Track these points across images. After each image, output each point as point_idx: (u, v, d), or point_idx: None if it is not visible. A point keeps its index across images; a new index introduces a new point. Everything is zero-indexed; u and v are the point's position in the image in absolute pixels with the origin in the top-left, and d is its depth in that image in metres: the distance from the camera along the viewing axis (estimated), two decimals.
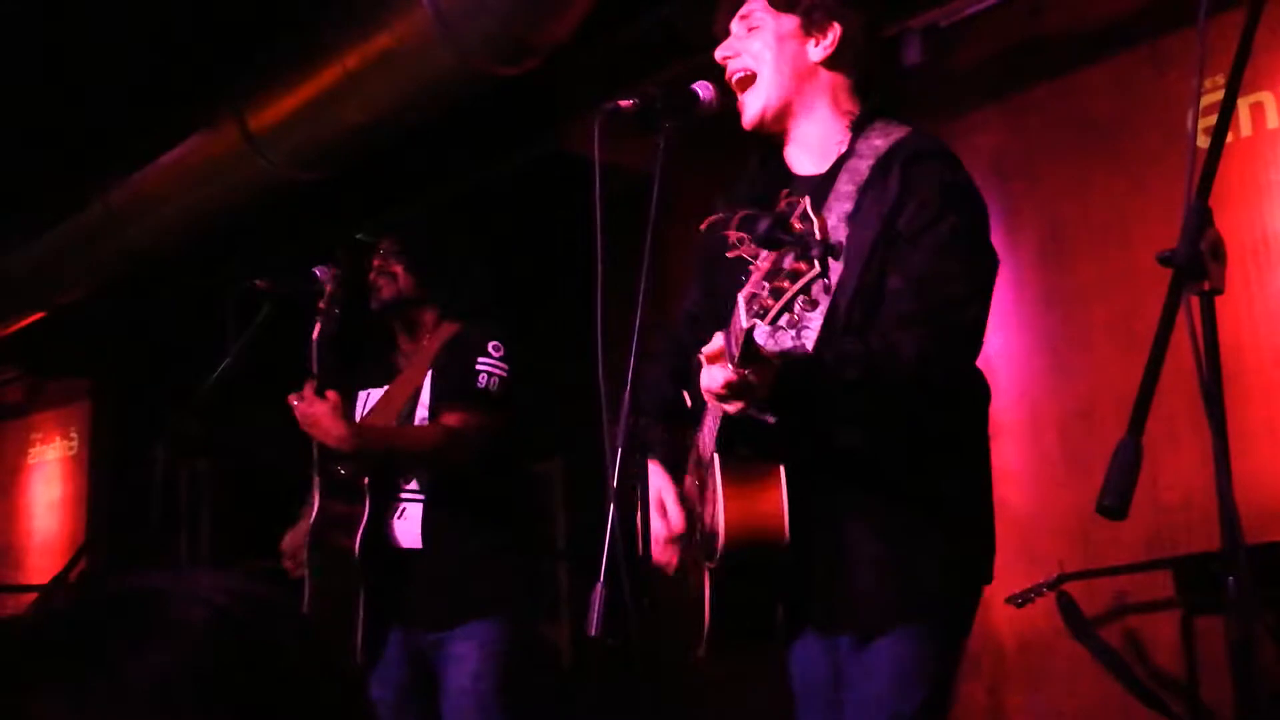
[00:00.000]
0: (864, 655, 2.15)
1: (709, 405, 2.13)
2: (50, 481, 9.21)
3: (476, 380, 3.26)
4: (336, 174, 5.39)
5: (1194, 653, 3.81)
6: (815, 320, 2.13)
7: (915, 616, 2.15)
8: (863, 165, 2.22)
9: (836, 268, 2.12)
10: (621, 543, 2.00)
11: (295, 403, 3.14)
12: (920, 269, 2.13)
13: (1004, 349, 4.49)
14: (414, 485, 3.27)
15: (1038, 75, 4.60)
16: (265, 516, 6.31)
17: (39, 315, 7.28)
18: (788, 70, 2.28)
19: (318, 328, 3.28)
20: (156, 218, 5.88)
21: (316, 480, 3.24)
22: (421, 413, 3.32)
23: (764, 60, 2.28)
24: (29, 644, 0.86)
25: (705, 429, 2.18)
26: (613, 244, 2.12)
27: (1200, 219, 1.45)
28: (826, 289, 1.96)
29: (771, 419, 2.11)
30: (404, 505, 3.27)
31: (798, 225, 1.90)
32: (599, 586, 1.92)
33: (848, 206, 2.19)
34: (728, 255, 2.20)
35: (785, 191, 2.15)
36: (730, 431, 2.11)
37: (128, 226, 6.00)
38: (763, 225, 1.96)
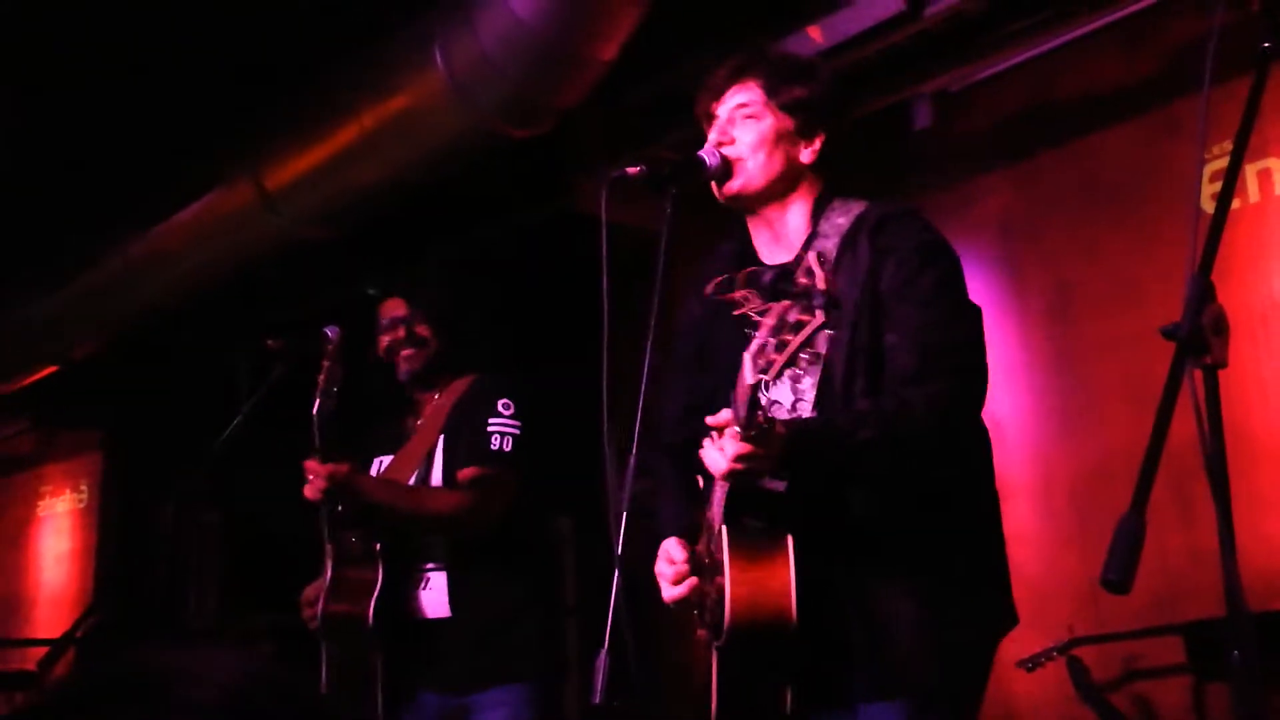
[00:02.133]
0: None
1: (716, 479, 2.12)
2: (59, 534, 9.20)
3: (490, 442, 3.23)
4: (350, 232, 5.43)
5: (1204, 718, 3.77)
6: (809, 390, 2.15)
7: (951, 677, 2.15)
8: (828, 244, 2.27)
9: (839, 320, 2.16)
10: (626, 608, 1.99)
11: (331, 470, 3.09)
12: (913, 323, 2.16)
13: (1013, 410, 4.49)
14: (435, 554, 3.25)
15: (1047, 140, 4.63)
16: (273, 571, 6.31)
17: (52, 369, 7.32)
18: (777, 168, 2.32)
19: (316, 404, 3.22)
20: (171, 274, 5.93)
21: (329, 549, 3.19)
22: (436, 475, 3.29)
23: (759, 153, 2.31)
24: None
25: (714, 500, 2.16)
26: (620, 302, 2.14)
27: (1202, 292, 1.46)
28: (830, 341, 1.99)
29: (780, 486, 2.10)
30: (428, 575, 3.23)
31: (802, 280, 1.93)
32: (603, 653, 1.91)
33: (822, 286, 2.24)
34: (733, 315, 2.20)
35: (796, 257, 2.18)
36: (737, 500, 2.10)
37: (142, 282, 6.05)
38: (767, 277, 1.98)
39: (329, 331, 3.33)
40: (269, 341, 3.38)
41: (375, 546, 3.20)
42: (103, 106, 5.33)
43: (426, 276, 3.51)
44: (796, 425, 2.07)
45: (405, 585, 3.21)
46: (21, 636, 8.66)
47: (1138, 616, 3.89)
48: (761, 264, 2.36)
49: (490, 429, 3.23)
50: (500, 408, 3.27)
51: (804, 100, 2.33)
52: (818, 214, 2.33)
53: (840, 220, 2.29)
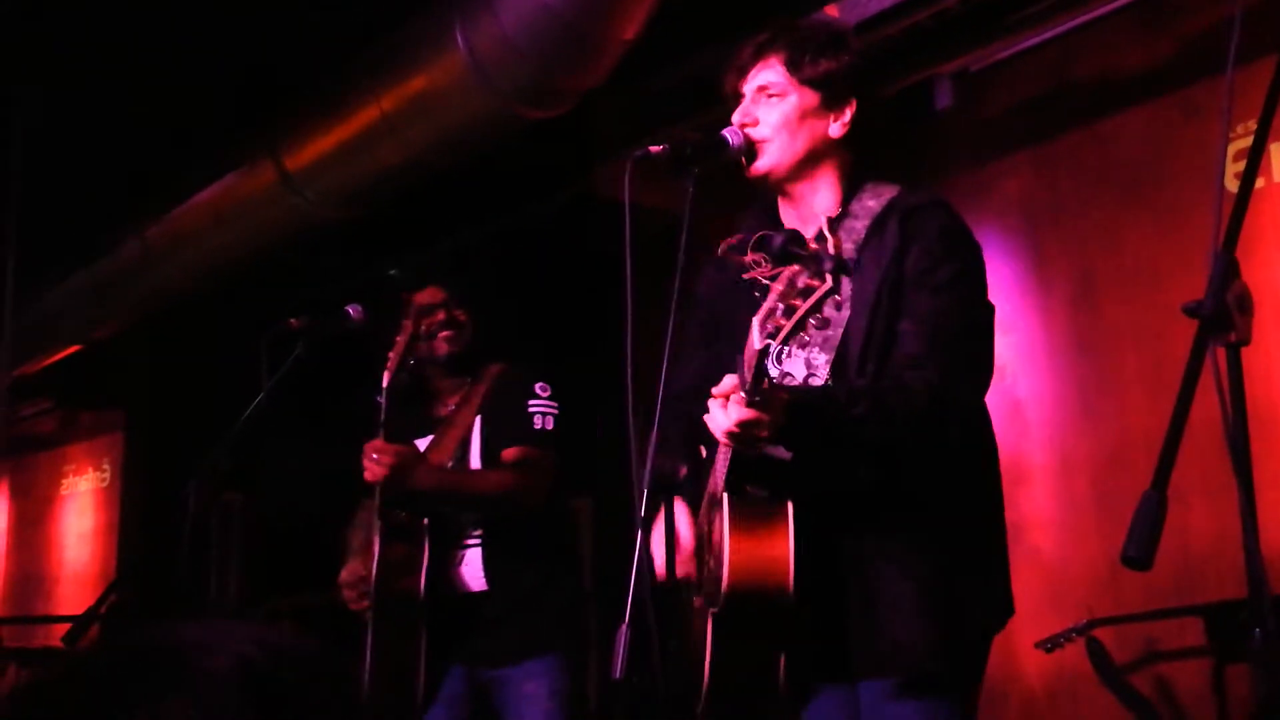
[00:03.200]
0: (895, 703, 2.14)
1: (720, 444, 2.13)
2: (82, 513, 9.28)
3: (532, 422, 3.33)
4: (371, 213, 5.45)
5: (1225, 701, 3.77)
6: (822, 367, 2.17)
7: (953, 661, 2.15)
8: (858, 225, 2.28)
9: (849, 291, 2.18)
10: (647, 584, 2.00)
11: (393, 449, 3.16)
12: (925, 311, 2.18)
13: (1034, 394, 4.48)
14: (472, 530, 3.33)
15: (1068, 121, 4.61)
16: (295, 552, 6.35)
17: (74, 349, 7.37)
18: (804, 145, 2.31)
19: (387, 378, 3.29)
20: (192, 255, 5.96)
21: (377, 525, 3.23)
22: (474, 458, 3.37)
23: (781, 132, 2.30)
24: (54, 696, 0.87)
25: (717, 467, 2.18)
26: (642, 284, 2.15)
27: (1227, 270, 1.46)
28: (838, 305, 1.99)
29: (784, 453, 2.11)
30: (464, 552, 3.32)
31: (813, 244, 1.93)
32: (623, 628, 1.92)
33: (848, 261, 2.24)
34: (744, 277, 2.20)
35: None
36: (740, 469, 2.12)
37: (164, 263, 6.09)
38: (778, 241, 1.99)
39: (351, 310, 3.38)
40: (291, 321, 3.40)
41: (422, 523, 3.29)
42: (124, 89, 5.35)
43: (460, 265, 3.58)
44: (798, 393, 2.10)
45: (446, 560, 3.30)
46: (45, 614, 8.75)
47: (1157, 597, 3.89)
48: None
49: (531, 410, 3.34)
50: (538, 389, 3.38)
51: (829, 73, 2.31)
52: (849, 195, 2.33)
53: (871, 203, 2.30)
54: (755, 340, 1.90)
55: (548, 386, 3.39)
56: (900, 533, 2.17)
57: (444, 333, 3.42)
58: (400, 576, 3.25)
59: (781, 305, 1.91)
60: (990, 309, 2.31)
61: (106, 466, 9.08)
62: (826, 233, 2.00)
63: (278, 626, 0.98)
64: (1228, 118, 1.55)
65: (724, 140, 2.28)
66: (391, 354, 3.34)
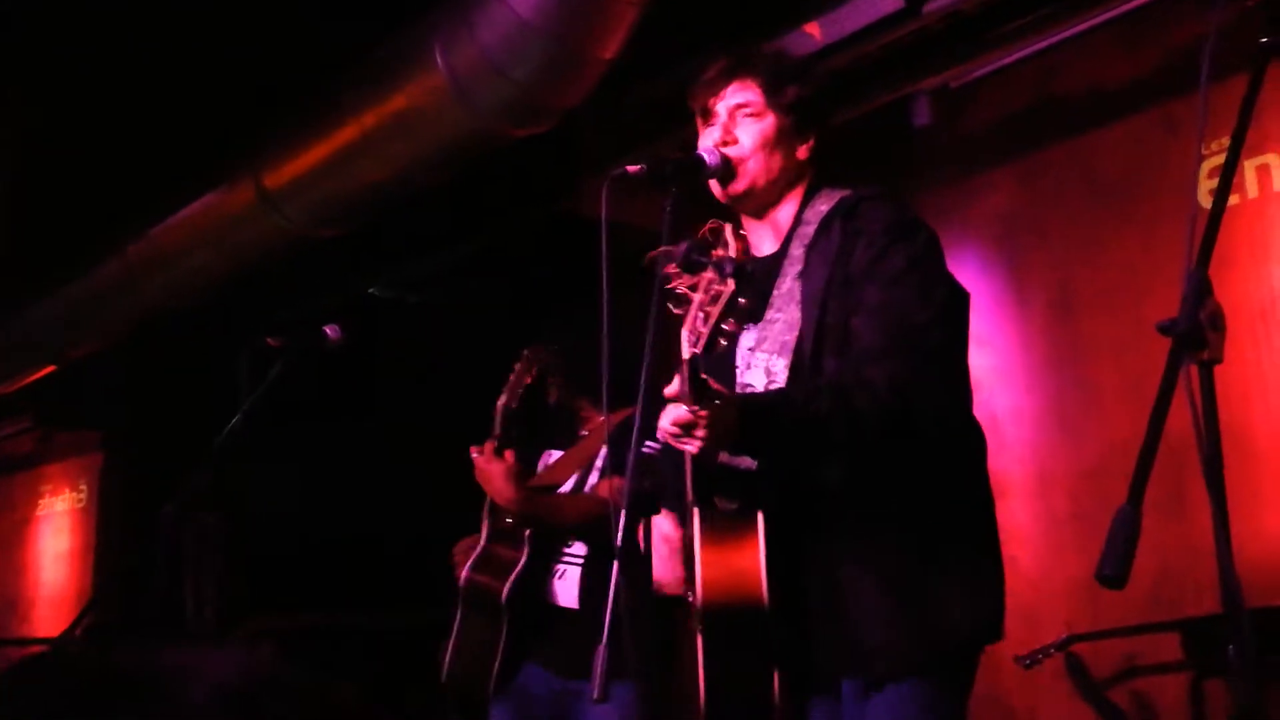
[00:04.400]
0: (869, 705, 2.12)
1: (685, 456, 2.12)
2: (59, 533, 9.21)
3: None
4: (351, 231, 5.44)
5: (1202, 715, 3.78)
6: (781, 372, 2.15)
7: (925, 669, 2.12)
8: (808, 230, 2.29)
9: (799, 292, 2.17)
10: (626, 602, 2.00)
11: (475, 455, 3.30)
12: (877, 303, 2.16)
13: (1012, 408, 4.50)
14: (575, 549, 3.39)
15: (1048, 137, 4.63)
16: (274, 572, 6.32)
17: (51, 368, 7.33)
18: (779, 167, 2.34)
19: (503, 399, 3.45)
20: (171, 273, 5.94)
21: (485, 523, 3.42)
22: (593, 480, 3.47)
23: (760, 152, 2.33)
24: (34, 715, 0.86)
25: (687, 481, 2.17)
26: (620, 301, 2.15)
27: (1200, 288, 1.47)
28: (750, 312, 2.00)
29: (749, 464, 2.09)
30: (564, 567, 3.39)
31: (717, 252, 1.95)
32: (601, 648, 1.92)
33: (798, 267, 2.26)
34: (667, 288, 2.20)
35: (712, 221, 2.18)
36: (705, 480, 2.11)
37: (143, 282, 6.06)
38: (680, 249, 2.00)
39: (329, 330, 3.40)
40: (270, 340, 3.41)
41: (525, 532, 3.38)
42: (103, 107, 5.34)
43: (564, 328, 3.69)
44: (750, 396, 2.08)
45: (544, 571, 3.38)
46: (21, 636, 8.68)
47: (1135, 613, 3.90)
48: (754, 258, 2.36)
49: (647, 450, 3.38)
50: None
51: (801, 100, 2.35)
52: (805, 203, 2.35)
53: (822, 207, 2.31)
54: (684, 350, 1.91)
55: None
56: (870, 534, 2.14)
57: (545, 387, 3.59)
58: (491, 574, 3.38)
59: (701, 314, 1.93)
60: (956, 293, 2.26)
61: (84, 487, 9.02)
62: (729, 236, 2.01)
63: (257, 650, 0.97)
64: (1202, 134, 1.56)
65: (701, 159, 2.30)
66: (510, 376, 3.52)
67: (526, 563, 3.35)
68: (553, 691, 3.34)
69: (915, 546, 2.14)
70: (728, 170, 2.31)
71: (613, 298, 2.17)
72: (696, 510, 2.10)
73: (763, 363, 2.19)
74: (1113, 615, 3.95)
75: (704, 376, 1.93)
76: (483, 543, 3.43)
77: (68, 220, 6.17)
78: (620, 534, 2.02)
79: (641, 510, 2.19)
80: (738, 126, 2.34)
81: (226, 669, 0.87)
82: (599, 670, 1.90)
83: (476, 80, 4.19)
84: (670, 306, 2.10)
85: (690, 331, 1.91)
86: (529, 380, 3.53)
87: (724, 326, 1.91)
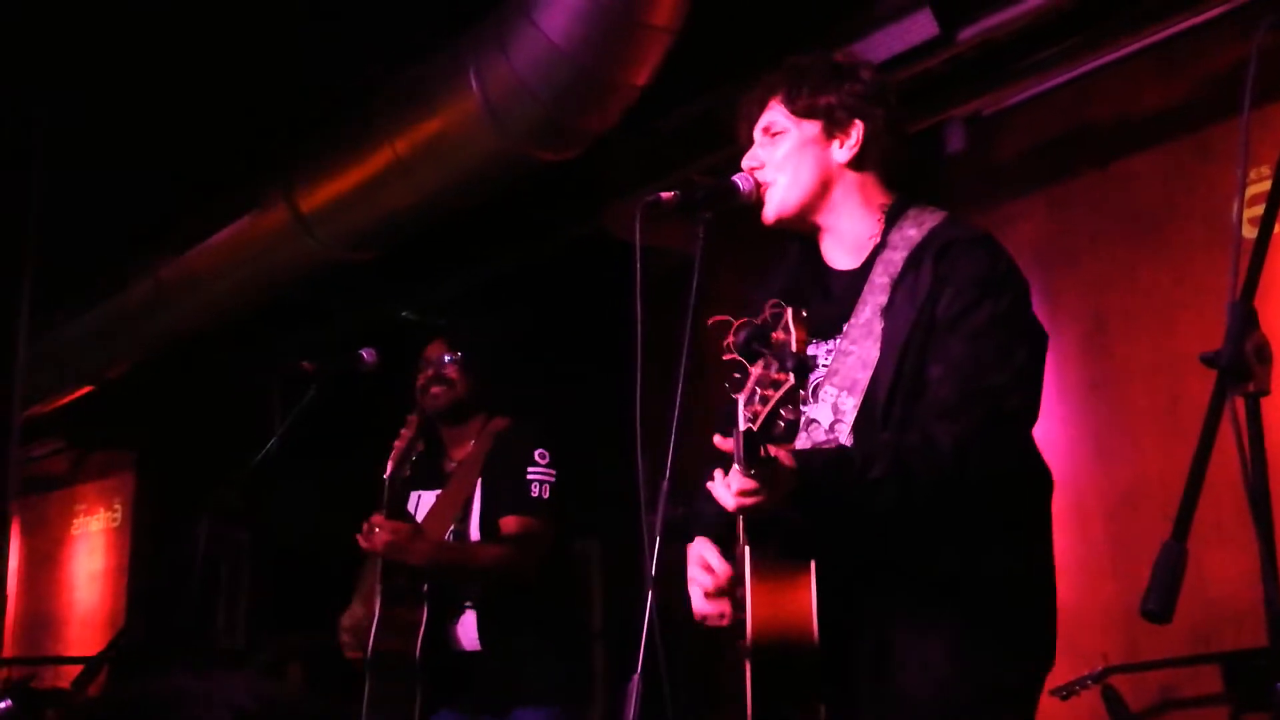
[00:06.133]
0: None
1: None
2: (93, 553, 9.27)
3: (529, 490, 3.40)
4: (384, 254, 5.46)
5: None
6: (850, 412, 2.11)
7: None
8: (896, 257, 2.20)
9: (880, 329, 2.13)
10: (659, 632, 1.98)
11: (375, 530, 3.27)
12: (958, 357, 2.09)
13: (1047, 438, 4.41)
14: (470, 591, 3.41)
15: (1081, 164, 4.61)
16: (304, 592, 6.33)
17: (87, 389, 7.38)
18: (811, 176, 2.27)
19: (390, 469, 3.41)
20: (205, 295, 5.98)
21: (379, 589, 3.36)
22: (474, 522, 3.45)
23: (784, 169, 2.27)
24: None
25: (738, 526, 2.13)
26: (652, 326, 2.14)
27: (1245, 320, 1.45)
28: (803, 400, 1.99)
29: (798, 518, 2.05)
30: (462, 612, 3.40)
31: (779, 335, 1.93)
32: (635, 678, 1.90)
33: (882, 300, 2.17)
34: (723, 359, 2.16)
35: (772, 301, 2.10)
36: (756, 530, 2.07)
37: (177, 304, 6.10)
38: (741, 336, 1.98)
39: (365, 354, 3.41)
40: (304, 364, 3.43)
41: (422, 587, 3.37)
42: (138, 129, 5.39)
43: (466, 319, 3.66)
44: (805, 459, 2.01)
45: (443, 621, 3.38)
46: (54, 654, 8.72)
47: (1174, 645, 3.84)
48: (830, 270, 2.31)
49: (530, 477, 3.41)
50: (537, 457, 3.44)
51: (828, 105, 2.27)
52: (890, 221, 2.26)
53: (911, 232, 2.22)
54: (740, 421, 1.89)
55: (546, 453, 3.46)
56: (922, 588, 2.09)
57: (433, 389, 3.52)
58: (398, 636, 3.34)
59: (759, 392, 1.92)
60: (1035, 348, 2.19)
61: (118, 506, 9.07)
62: (792, 325, 1.98)
63: (275, 675, 0.97)
64: (1245, 161, 1.54)
65: (734, 186, 2.27)
66: (397, 443, 3.46)
67: (429, 615, 3.34)
68: None
69: (970, 606, 2.09)
70: (760, 197, 2.29)
71: (645, 322, 2.16)
72: (749, 549, 2.06)
73: (831, 398, 2.14)
74: (1151, 647, 3.90)
75: (764, 453, 1.90)
76: (380, 608, 3.38)
77: (101, 241, 6.23)
78: (654, 563, 2.01)
79: (675, 538, 2.17)
80: (765, 148, 2.30)
81: (242, 693, 0.89)
82: (633, 701, 1.89)
83: (509, 104, 4.22)
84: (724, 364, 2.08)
85: (747, 408, 1.89)
86: (420, 448, 3.49)
87: (782, 413, 1.90)
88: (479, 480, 3.47)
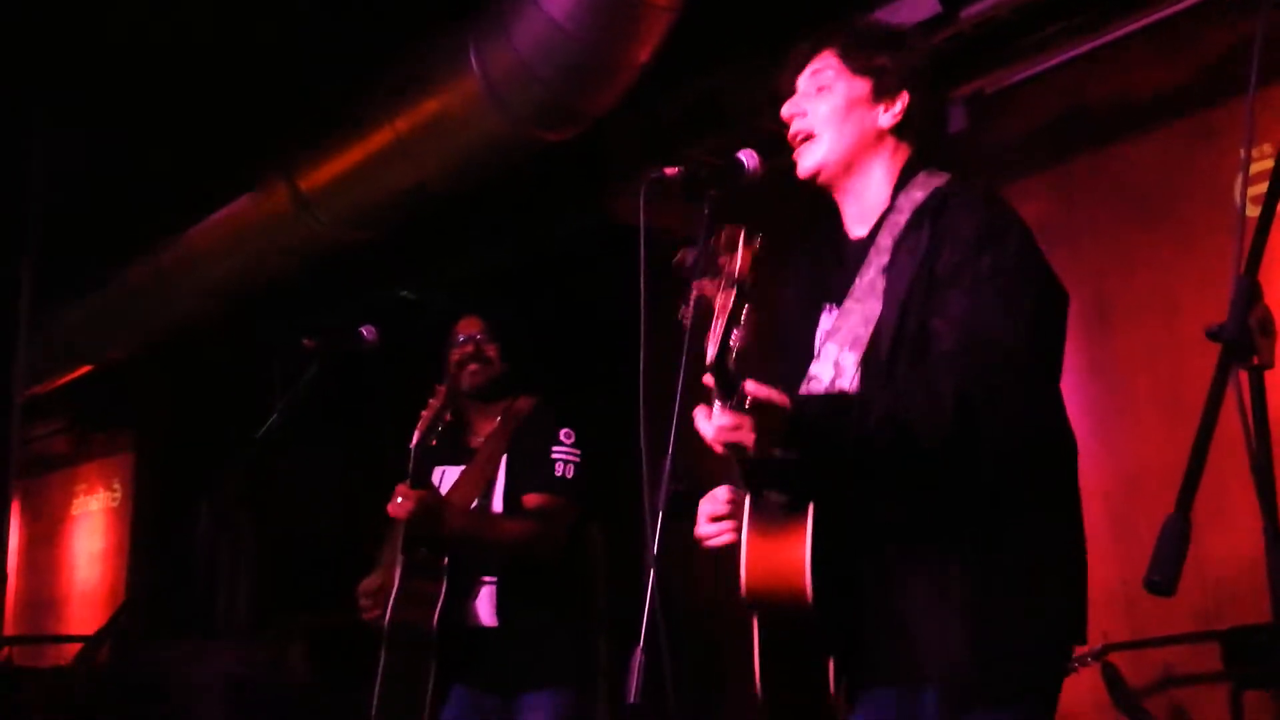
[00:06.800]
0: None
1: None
2: (93, 532, 9.28)
3: (554, 469, 3.41)
4: (384, 235, 5.46)
5: None
6: (850, 368, 2.09)
7: (1002, 699, 2.02)
8: (900, 219, 2.19)
9: (881, 285, 2.12)
10: (661, 609, 1.99)
11: (401, 499, 3.26)
12: (959, 309, 2.05)
13: None
14: (490, 568, 3.41)
15: (1082, 144, 4.61)
16: (305, 571, 6.34)
17: (87, 369, 7.38)
18: (852, 136, 2.24)
19: (417, 438, 3.38)
20: (205, 275, 5.98)
21: (400, 560, 3.35)
22: (498, 497, 3.45)
23: (829, 125, 2.24)
24: (47, 708, 0.87)
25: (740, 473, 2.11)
26: (654, 307, 2.14)
27: (1249, 293, 1.45)
28: (746, 320, 1.93)
29: (793, 456, 2.00)
30: (481, 587, 3.41)
31: (723, 259, 1.92)
32: (638, 652, 1.91)
33: (885, 259, 2.16)
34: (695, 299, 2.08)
35: (728, 226, 2.06)
36: (754, 473, 2.04)
37: (177, 284, 6.10)
38: (689, 258, 1.97)
39: (365, 331, 3.40)
40: (305, 341, 3.42)
41: (442, 561, 3.37)
42: (137, 109, 5.38)
43: (498, 298, 3.66)
44: (800, 400, 1.99)
45: (462, 595, 3.38)
46: (56, 633, 8.74)
47: (1173, 623, 3.86)
48: (847, 238, 2.29)
49: (554, 456, 3.42)
50: (562, 436, 3.46)
51: (882, 65, 2.24)
52: (900, 186, 2.24)
53: (917, 194, 2.20)
54: (709, 355, 1.88)
55: (572, 433, 3.46)
56: (928, 539, 2.04)
57: (471, 366, 3.51)
58: (416, 609, 3.34)
59: (719, 321, 1.90)
60: (1047, 299, 2.14)
61: (118, 486, 9.09)
62: (740, 243, 1.95)
63: (261, 646, 0.98)
64: (1250, 139, 1.54)
65: (740, 163, 2.25)
66: (425, 412, 3.42)
67: (447, 591, 3.35)
68: (480, 708, 3.39)
69: (982, 562, 2.04)
70: (768, 172, 2.27)
71: (649, 303, 2.15)
72: (747, 498, 2.04)
73: (833, 354, 2.12)
74: (1150, 624, 3.91)
75: (731, 375, 1.87)
76: (399, 579, 3.38)
77: (102, 222, 6.22)
78: (656, 540, 2.01)
79: (677, 515, 2.16)
80: (809, 100, 2.26)
81: (231, 660, 0.90)
82: (636, 673, 1.90)
83: (510, 84, 4.21)
84: (684, 312, 2.05)
85: (713, 336, 1.88)
86: (449, 418, 3.46)
87: (731, 341, 1.88)
88: (504, 457, 3.48)
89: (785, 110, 2.28)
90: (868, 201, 2.27)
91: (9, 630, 5.74)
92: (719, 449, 1.96)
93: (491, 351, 3.53)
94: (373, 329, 3.44)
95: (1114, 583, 4.09)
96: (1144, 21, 4.27)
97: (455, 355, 3.54)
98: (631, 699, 1.91)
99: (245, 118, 5.39)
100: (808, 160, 2.25)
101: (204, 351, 7.11)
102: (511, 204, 5.64)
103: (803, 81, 2.29)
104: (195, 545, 3.73)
